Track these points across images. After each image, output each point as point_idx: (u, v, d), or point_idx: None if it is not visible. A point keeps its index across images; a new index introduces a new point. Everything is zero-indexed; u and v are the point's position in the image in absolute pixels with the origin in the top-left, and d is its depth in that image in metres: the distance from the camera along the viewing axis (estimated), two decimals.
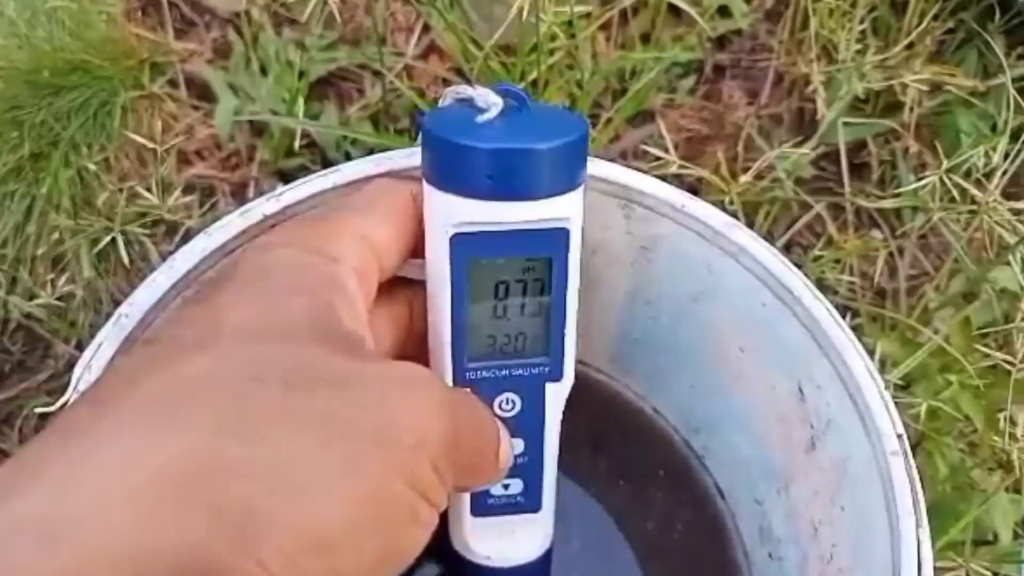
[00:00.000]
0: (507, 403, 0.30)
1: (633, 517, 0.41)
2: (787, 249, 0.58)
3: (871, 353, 0.32)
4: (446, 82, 0.64)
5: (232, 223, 0.31)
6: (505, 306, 0.29)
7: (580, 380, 0.31)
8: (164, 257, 0.53)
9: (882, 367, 0.47)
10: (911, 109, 0.59)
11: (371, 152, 0.33)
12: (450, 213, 0.27)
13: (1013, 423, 0.44)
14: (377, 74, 0.64)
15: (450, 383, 0.29)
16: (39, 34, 0.57)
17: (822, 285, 0.36)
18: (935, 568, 0.28)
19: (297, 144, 0.57)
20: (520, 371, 0.30)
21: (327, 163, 0.62)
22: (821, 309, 0.32)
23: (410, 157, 0.32)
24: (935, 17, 0.59)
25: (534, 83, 0.52)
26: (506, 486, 0.32)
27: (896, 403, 0.31)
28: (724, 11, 0.66)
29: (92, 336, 0.30)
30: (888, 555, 0.29)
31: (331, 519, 0.21)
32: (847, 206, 0.60)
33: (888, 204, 0.57)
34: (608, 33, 0.64)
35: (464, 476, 0.25)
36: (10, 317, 0.57)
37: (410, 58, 0.64)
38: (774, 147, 0.58)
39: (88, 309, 0.55)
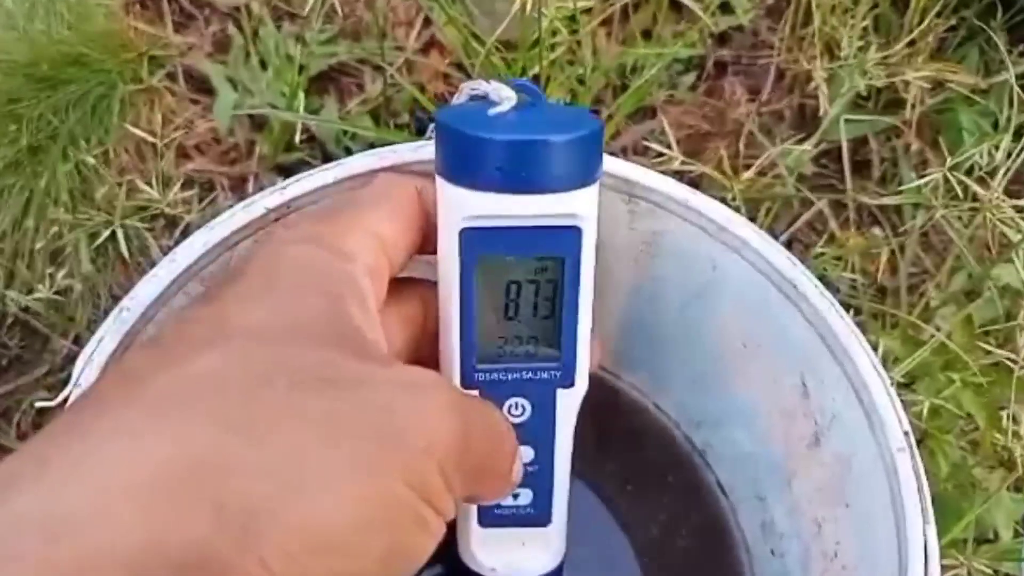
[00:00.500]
0: (516, 408, 0.29)
1: (634, 516, 0.41)
2: (788, 246, 0.58)
3: (873, 350, 0.32)
4: (447, 77, 0.63)
5: (235, 216, 0.31)
6: (516, 307, 0.28)
7: None
8: (164, 251, 0.53)
9: (884, 365, 0.47)
10: (913, 106, 0.59)
11: (371, 147, 0.33)
12: (460, 206, 0.26)
13: (1015, 421, 0.44)
14: (377, 69, 0.63)
15: (458, 384, 0.29)
16: (37, 27, 0.57)
17: (823, 282, 0.36)
18: None
19: (297, 138, 0.57)
20: (530, 375, 0.29)
21: (327, 158, 0.61)
22: (826, 304, 0.32)
23: (415, 151, 0.32)
24: (937, 14, 0.59)
25: (536, 79, 0.52)
26: (515, 496, 0.31)
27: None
28: (726, 7, 0.66)
29: (90, 331, 0.30)
30: (894, 552, 0.29)
31: (334, 520, 0.21)
32: (849, 203, 0.59)
33: (890, 201, 0.57)
34: (609, 29, 0.64)
35: (474, 484, 0.25)
36: (8, 311, 0.57)
37: (411, 53, 0.64)
38: (776, 144, 0.58)
39: (86, 303, 0.55)
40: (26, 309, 0.56)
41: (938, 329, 0.47)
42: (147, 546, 0.19)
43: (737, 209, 0.34)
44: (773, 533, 0.38)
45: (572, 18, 0.56)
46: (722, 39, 0.66)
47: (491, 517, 0.31)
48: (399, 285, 0.28)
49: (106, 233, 0.48)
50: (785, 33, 0.64)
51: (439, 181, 0.27)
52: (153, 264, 0.31)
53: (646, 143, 0.57)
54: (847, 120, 0.58)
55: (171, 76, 0.63)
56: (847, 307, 0.32)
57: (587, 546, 0.40)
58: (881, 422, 0.30)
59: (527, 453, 0.30)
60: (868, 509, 0.31)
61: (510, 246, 0.27)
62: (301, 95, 0.57)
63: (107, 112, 0.57)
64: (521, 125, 0.26)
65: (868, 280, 0.58)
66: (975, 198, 0.45)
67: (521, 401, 0.29)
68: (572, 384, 0.29)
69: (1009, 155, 0.46)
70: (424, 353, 0.29)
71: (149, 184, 0.48)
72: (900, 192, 0.57)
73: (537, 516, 0.31)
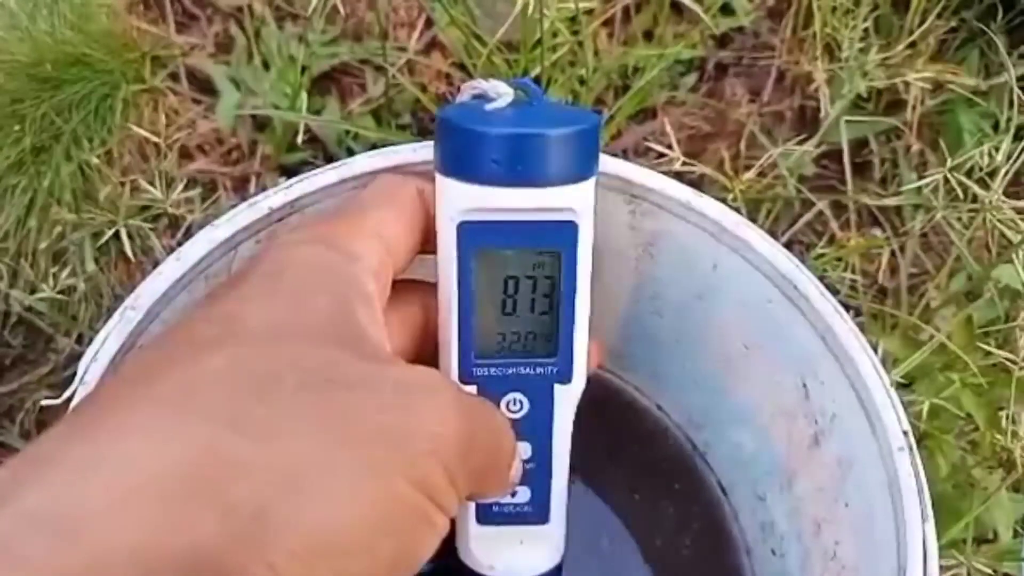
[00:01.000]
0: (514, 404, 0.30)
1: (634, 515, 0.41)
2: (789, 247, 0.58)
3: (873, 351, 0.32)
4: (448, 77, 0.64)
5: (239, 216, 0.31)
6: (514, 302, 0.29)
7: None
8: (167, 251, 0.53)
9: (884, 365, 0.47)
10: (913, 107, 0.60)
11: (373, 147, 0.33)
12: (457, 200, 0.27)
13: (1015, 422, 0.44)
14: (379, 69, 0.64)
15: (456, 380, 0.29)
16: (40, 27, 0.57)
17: (824, 283, 0.36)
18: None
19: (299, 139, 0.57)
20: (527, 371, 0.29)
21: (329, 158, 0.61)
22: (827, 306, 0.32)
23: (418, 151, 0.32)
24: (938, 16, 0.59)
25: (537, 80, 0.52)
26: (513, 494, 0.31)
27: None
28: (727, 9, 0.66)
29: (93, 330, 0.30)
30: (893, 551, 0.29)
31: (343, 521, 0.21)
32: (849, 204, 0.60)
33: (890, 202, 0.57)
34: (611, 30, 0.64)
35: (476, 484, 0.25)
36: (11, 311, 0.57)
37: (412, 53, 0.64)
38: (776, 145, 0.58)
39: (89, 303, 0.55)
40: (29, 308, 0.56)
41: (938, 330, 0.47)
42: (154, 548, 0.19)
43: (738, 210, 0.34)
44: (773, 533, 0.38)
45: (573, 19, 0.56)
46: (723, 40, 0.67)
47: (489, 515, 0.31)
48: (401, 287, 0.28)
49: (109, 233, 0.48)
50: (786, 34, 0.64)
51: (438, 176, 0.27)
52: (156, 263, 0.31)
53: (647, 144, 0.57)
54: (848, 121, 0.58)
55: (174, 76, 0.63)
56: (847, 308, 0.33)
57: (589, 547, 0.40)
58: (881, 422, 0.30)
59: (525, 449, 0.30)
60: (868, 509, 0.31)
61: (507, 240, 0.27)
62: (303, 95, 0.57)
63: (110, 112, 0.57)
64: (517, 120, 0.27)
65: (868, 281, 0.58)
66: (975, 199, 0.45)
67: (519, 397, 0.30)
68: (570, 380, 0.30)
69: (1009, 157, 0.46)
70: (426, 354, 0.29)
71: (152, 184, 0.48)
72: (900, 193, 0.58)
73: (535, 514, 0.31)
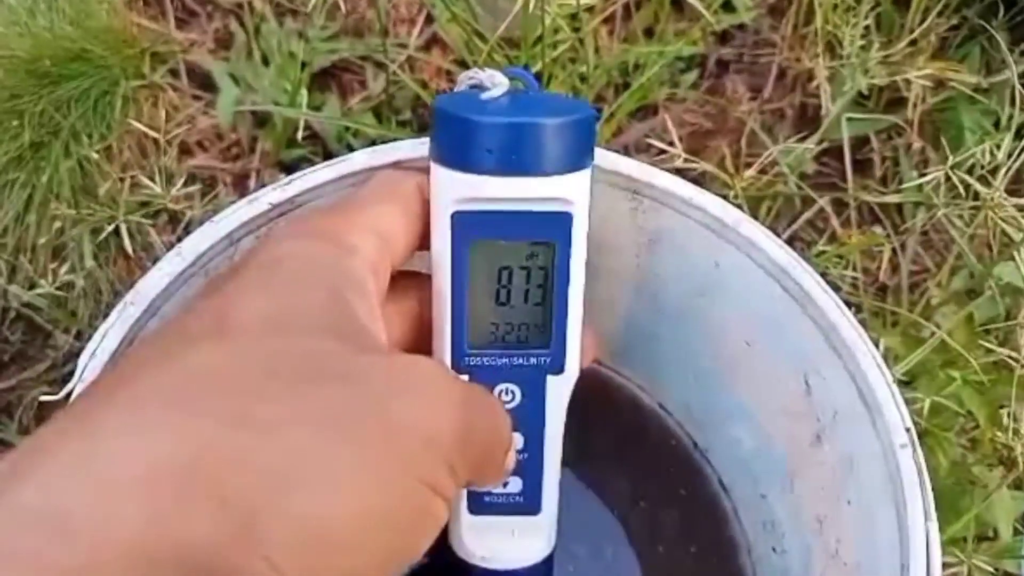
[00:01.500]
0: (506, 394, 0.30)
1: (634, 515, 0.41)
2: (790, 244, 0.58)
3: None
4: (449, 74, 0.63)
5: (239, 211, 0.31)
6: (508, 293, 0.29)
7: (582, 373, 0.31)
8: (167, 247, 0.53)
9: (884, 363, 0.47)
10: (914, 105, 0.59)
11: (373, 144, 0.33)
12: (451, 189, 0.27)
13: (1016, 419, 0.44)
14: (380, 66, 0.63)
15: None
16: (40, 22, 0.57)
17: (824, 280, 0.36)
18: None
19: (299, 135, 0.56)
20: (520, 361, 0.29)
21: (329, 155, 0.61)
22: (830, 303, 0.32)
23: (418, 147, 0.32)
24: (939, 13, 0.59)
25: (538, 76, 0.52)
26: (505, 484, 0.31)
27: None
28: (728, 5, 0.66)
29: (92, 326, 0.30)
30: (896, 549, 0.29)
31: (341, 516, 0.21)
32: (850, 201, 0.59)
33: (891, 200, 0.57)
34: (611, 27, 0.64)
35: (474, 472, 0.25)
36: (10, 306, 0.57)
37: (413, 50, 0.64)
38: (777, 142, 0.58)
39: (89, 299, 0.55)
40: (28, 304, 0.56)
41: (939, 327, 0.47)
42: (149, 543, 0.19)
43: (739, 207, 0.34)
44: (774, 531, 0.38)
45: (574, 16, 0.56)
46: (724, 37, 0.66)
47: (481, 505, 0.31)
48: (399, 279, 0.28)
49: (109, 229, 0.48)
50: (787, 31, 0.64)
51: (432, 166, 0.27)
52: (156, 259, 0.31)
53: (648, 141, 0.57)
54: (849, 118, 0.58)
55: (173, 72, 0.63)
56: (848, 305, 0.32)
57: (585, 545, 0.40)
58: (884, 419, 0.30)
59: (517, 440, 0.30)
60: (870, 506, 0.31)
61: (501, 231, 0.27)
62: (303, 92, 0.57)
63: (109, 108, 0.57)
64: (512, 109, 0.27)
65: (869, 278, 0.58)
66: (976, 197, 0.45)
67: (511, 387, 0.30)
68: (563, 371, 0.30)
69: (1011, 154, 0.46)
70: (424, 346, 0.29)
71: (152, 180, 0.48)
72: (901, 191, 0.57)
73: (527, 504, 0.31)
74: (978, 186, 0.45)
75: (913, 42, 0.58)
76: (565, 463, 0.31)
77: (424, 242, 0.29)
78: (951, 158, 0.46)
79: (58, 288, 0.51)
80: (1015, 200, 0.45)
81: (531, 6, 0.46)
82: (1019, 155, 0.46)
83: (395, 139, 0.32)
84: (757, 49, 0.66)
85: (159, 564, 0.19)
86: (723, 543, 0.40)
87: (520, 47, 0.53)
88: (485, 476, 0.27)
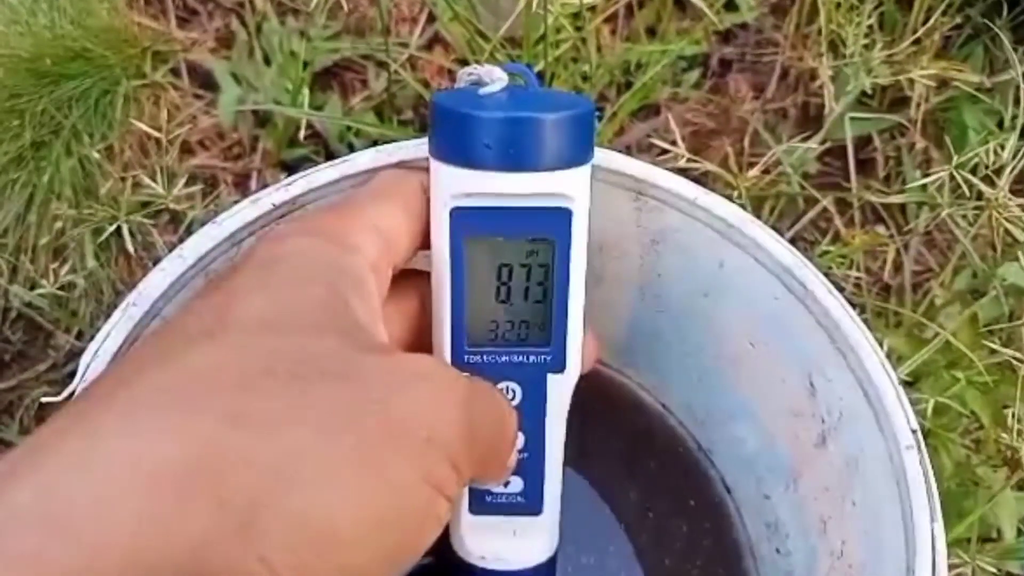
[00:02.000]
0: (507, 392, 0.29)
1: (636, 517, 0.41)
2: (793, 244, 0.58)
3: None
4: (451, 73, 0.63)
5: (242, 212, 0.31)
6: (508, 290, 0.28)
7: (585, 373, 0.31)
8: (168, 247, 0.53)
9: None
10: (918, 104, 0.59)
11: (375, 143, 0.33)
12: (450, 184, 0.27)
13: (1020, 420, 0.44)
14: (382, 65, 0.63)
15: None
16: (40, 22, 0.57)
17: (828, 280, 0.36)
18: None
19: (301, 135, 0.56)
20: (521, 359, 0.29)
21: (330, 154, 0.61)
22: (835, 303, 0.32)
23: (420, 147, 0.31)
24: (942, 12, 0.59)
25: (540, 75, 0.52)
26: (506, 484, 0.31)
27: None
28: (730, 5, 0.66)
29: (94, 326, 0.29)
30: (901, 550, 0.29)
31: (340, 514, 0.21)
32: (853, 201, 0.59)
33: (895, 199, 0.57)
34: (614, 26, 0.64)
35: (478, 469, 0.25)
36: (11, 306, 0.57)
37: (415, 49, 0.64)
38: (780, 142, 0.58)
39: (90, 299, 0.55)
40: (29, 304, 0.56)
41: (943, 328, 0.47)
42: (147, 543, 0.19)
43: (742, 207, 0.34)
44: (778, 532, 0.38)
45: (577, 15, 0.56)
46: (727, 37, 0.66)
47: (482, 505, 0.31)
48: (400, 277, 0.28)
49: (110, 229, 0.48)
50: (790, 31, 0.64)
51: (431, 161, 0.27)
52: (157, 259, 0.31)
53: (651, 140, 0.57)
54: (852, 118, 0.58)
55: (175, 71, 0.63)
56: (851, 305, 0.32)
57: (585, 546, 0.40)
58: (889, 420, 0.30)
59: (518, 439, 0.30)
60: (875, 507, 0.31)
61: (500, 227, 0.27)
62: (305, 91, 0.57)
63: (110, 107, 0.57)
64: (510, 104, 0.27)
65: (872, 278, 0.58)
66: (980, 196, 0.45)
67: (512, 385, 0.29)
68: (563, 369, 0.29)
69: (1015, 154, 0.46)
70: (426, 344, 0.29)
71: (153, 179, 0.48)
72: (905, 190, 0.57)
73: (528, 505, 0.31)
74: (982, 186, 0.45)
75: (916, 41, 0.58)
76: (567, 463, 0.31)
77: (426, 241, 0.28)
78: (955, 158, 0.45)
79: (59, 288, 0.51)
80: (1019, 200, 0.45)
81: (533, 5, 0.46)
82: (1023, 155, 0.46)
83: (397, 139, 0.32)
84: (760, 48, 0.66)
85: (155, 563, 0.19)
86: (726, 544, 0.40)
87: (522, 46, 0.53)
88: (489, 473, 0.27)
